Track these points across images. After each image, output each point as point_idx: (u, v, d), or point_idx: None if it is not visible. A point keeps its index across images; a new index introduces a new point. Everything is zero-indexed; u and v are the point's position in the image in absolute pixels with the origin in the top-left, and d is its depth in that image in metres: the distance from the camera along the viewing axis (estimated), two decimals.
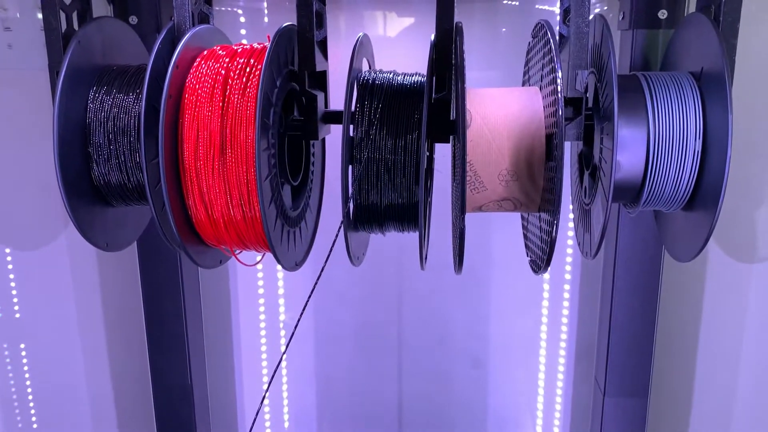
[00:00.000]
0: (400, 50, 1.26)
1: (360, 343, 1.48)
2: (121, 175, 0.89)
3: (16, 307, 1.45)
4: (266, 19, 1.29)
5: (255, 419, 0.97)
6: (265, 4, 1.29)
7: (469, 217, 0.83)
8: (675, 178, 0.87)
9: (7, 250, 1.41)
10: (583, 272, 1.37)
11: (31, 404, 1.55)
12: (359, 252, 0.97)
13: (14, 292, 1.45)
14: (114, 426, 1.49)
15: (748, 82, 0.97)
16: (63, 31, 0.94)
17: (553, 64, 0.78)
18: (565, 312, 1.42)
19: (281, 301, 1.49)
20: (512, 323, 1.45)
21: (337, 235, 0.87)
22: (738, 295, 1.16)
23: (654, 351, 1.19)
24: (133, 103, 0.88)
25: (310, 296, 0.90)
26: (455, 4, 0.89)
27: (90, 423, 1.53)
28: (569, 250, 1.37)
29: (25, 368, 1.52)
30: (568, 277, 1.39)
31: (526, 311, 1.45)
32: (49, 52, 0.93)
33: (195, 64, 0.84)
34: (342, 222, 0.87)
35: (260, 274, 1.47)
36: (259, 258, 0.99)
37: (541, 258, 0.86)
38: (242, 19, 1.29)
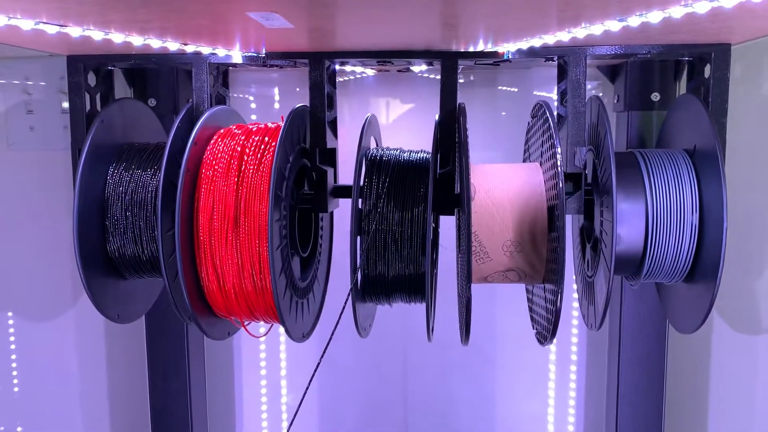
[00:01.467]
0: (404, 130, 1.32)
1: (365, 420, 1.46)
2: (135, 247, 0.91)
3: (16, 381, 1.45)
4: (277, 105, 1.36)
5: None
6: (276, 91, 1.35)
7: (475, 293, 0.85)
8: (674, 250, 0.89)
9: (10, 321, 1.42)
10: (589, 347, 1.37)
11: None
12: (366, 323, 0.98)
13: (14, 365, 1.44)
14: None
15: (738, 157, 1.01)
16: (87, 111, 0.99)
17: (552, 140, 0.82)
18: (572, 393, 1.41)
19: (283, 383, 1.48)
20: (519, 402, 1.43)
21: (345, 305, 0.88)
22: (745, 364, 1.16)
23: (664, 424, 1.17)
24: (150, 178, 0.92)
25: (316, 370, 0.91)
26: (458, 89, 0.95)
27: None
28: (574, 321, 1.37)
29: None
30: (573, 357, 1.39)
31: (532, 389, 1.43)
32: (72, 130, 0.97)
33: (212, 141, 0.89)
34: (350, 291, 0.88)
35: (262, 347, 1.47)
36: (266, 329, 1.00)
37: (547, 329, 0.87)
38: (253, 105, 1.36)
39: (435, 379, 1.43)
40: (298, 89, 1.35)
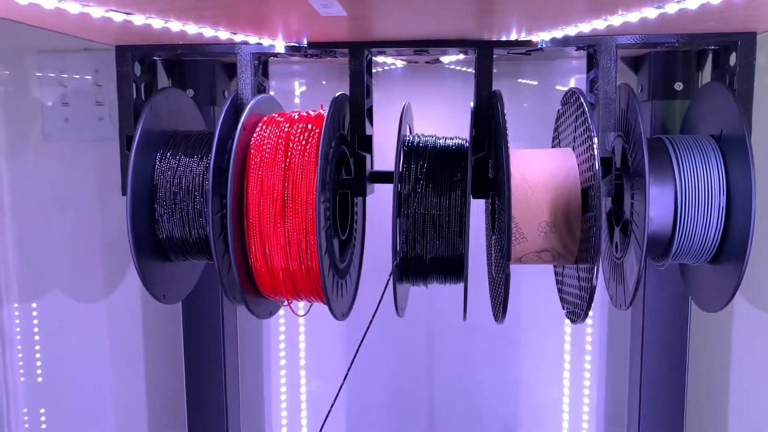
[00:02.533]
0: (433, 120, 1.36)
1: (391, 407, 1.49)
2: (183, 230, 0.95)
3: (39, 364, 1.48)
4: (297, 101, 1.40)
5: None
6: (297, 84, 1.39)
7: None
8: (702, 232, 0.93)
9: (35, 313, 1.45)
10: (610, 329, 1.41)
11: None
12: (403, 304, 1.02)
13: (37, 347, 1.48)
14: None
15: (761, 145, 1.04)
16: (133, 100, 1.03)
17: (587, 125, 0.86)
18: (587, 374, 1.45)
19: (302, 372, 1.52)
20: (541, 386, 1.47)
21: (386, 287, 0.92)
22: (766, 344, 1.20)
23: (686, 406, 1.21)
24: (197, 165, 0.96)
25: (354, 357, 0.94)
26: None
27: None
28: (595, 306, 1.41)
29: None
30: (588, 338, 1.42)
31: (553, 374, 1.47)
32: (120, 118, 1.01)
33: (258, 128, 0.92)
34: (391, 273, 0.92)
35: (282, 336, 1.50)
36: (308, 309, 1.04)
37: (580, 306, 0.91)
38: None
39: (460, 362, 1.47)
40: (324, 82, 1.39)
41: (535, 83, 1.39)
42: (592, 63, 1.00)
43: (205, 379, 1.31)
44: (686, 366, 1.20)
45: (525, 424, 1.51)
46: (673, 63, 1.11)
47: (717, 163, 0.92)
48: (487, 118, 0.96)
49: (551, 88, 1.37)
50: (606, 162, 0.95)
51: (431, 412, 1.51)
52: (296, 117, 0.95)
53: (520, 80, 1.38)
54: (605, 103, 0.97)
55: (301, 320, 1.50)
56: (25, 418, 1.51)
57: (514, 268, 0.92)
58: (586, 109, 0.88)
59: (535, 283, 1.38)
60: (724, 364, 1.25)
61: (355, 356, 0.95)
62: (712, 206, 0.91)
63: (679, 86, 1.12)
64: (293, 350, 1.52)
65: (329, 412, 0.92)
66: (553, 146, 1.10)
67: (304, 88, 1.40)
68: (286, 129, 0.92)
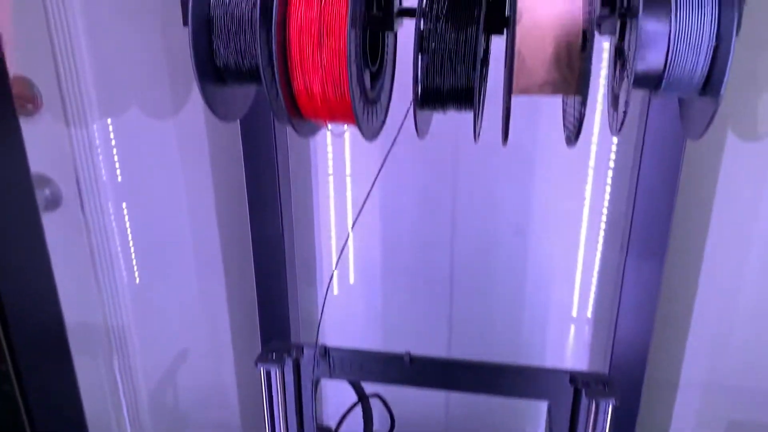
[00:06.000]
0: None
1: (418, 210, 1.73)
2: (237, 58, 1.11)
3: (119, 171, 1.72)
4: None
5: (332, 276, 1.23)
6: None
7: (519, 102, 1.03)
8: (691, 68, 1.04)
9: (110, 128, 1.67)
10: (618, 156, 1.56)
11: (134, 258, 1.86)
12: (424, 128, 1.19)
13: (116, 159, 1.70)
14: (221, 271, 1.81)
15: None
16: None
17: None
18: (607, 196, 1.63)
19: (348, 179, 1.74)
20: (554, 198, 1.67)
21: (407, 111, 1.09)
22: (751, 174, 1.34)
23: (671, 220, 1.40)
24: (247, 1, 1.09)
25: (382, 166, 1.13)
26: None
27: (194, 271, 1.85)
28: (595, 129, 1.55)
29: (128, 224, 1.82)
30: (612, 164, 1.58)
31: (568, 188, 1.66)
32: None
33: None
34: (412, 101, 1.08)
35: (329, 149, 1.71)
36: (343, 131, 1.22)
37: (573, 132, 1.07)
38: None
39: (481, 177, 1.67)
40: None
41: None
42: None
43: (262, 185, 1.55)
44: (676, 185, 1.36)
45: (537, 230, 1.73)
46: None
47: (712, 6, 1.00)
48: None
49: None
50: (611, 2, 1.04)
51: (453, 211, 1.74)
52: None
53: None
54: None
55: (346, 137, 1.70)
56: (111, 210, 1.80)
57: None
58: None
59: (554, 111, 1.52)
60: (710, 187, 1.40)
61: (382, 165, 1.14)
62: (701, 47, 1.01)
63: None
64: (340, 162, 1.74)
65: (361, 208, 1.14)
66: None
67: None
68: None
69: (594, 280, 1.78)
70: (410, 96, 1.16)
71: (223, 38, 1.10)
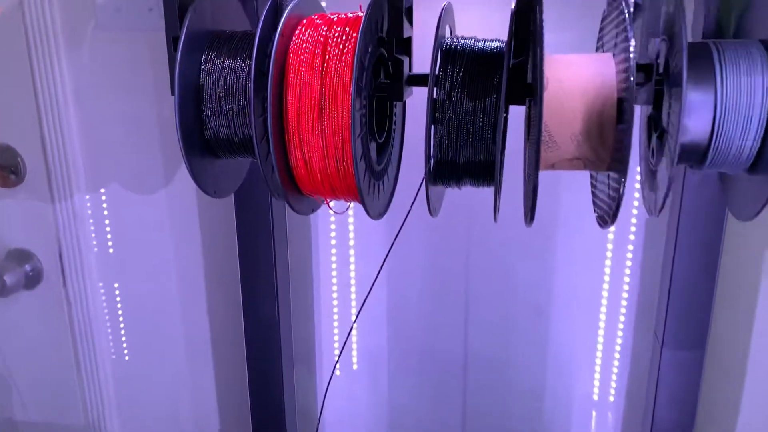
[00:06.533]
0: (479, 17, 1.33)
1: (429, 290, 1.59)
2: (229, 130, 1.00)
3: (110, 243, 1.62)
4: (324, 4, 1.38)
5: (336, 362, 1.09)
6: None
7: (541, 177, 0.91)
8: (739, 144, 0.92)
9: (104, 197, 1.57)
10: (647, 232, 1.43)
11: (123, 337, 1.73)
12: (436, 204, 1.06)
13: (108, 229, 1.61)
14: (209, 356, 1.66)
15: None
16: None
17: (626, 27, 0.84)
18: (628, 271, 1.49)
19: (352, 259, 1.61)
20: (575, 277, 1.53)
21: (419, 188, 0.96)
22: None
23: (713, 306, 1.25)
24: (240, 67, 0.99)
25: (391, 246, 1.00)
26: None
27: (184, 355, 1.70)
28: (634, 211, 1.43)
29: (119, 304, 1.70)
30: (632, 237, 1.45)
31: (590, 267, 1.52)
32: (166, 18, 1.03)
33: (297, 32, 0.94)
34: (424, 176, 0.96)
35: (333, 226, 1.59)
36: (345, 207, 1.10)
37: (608, 213, 0.94)
38: None
39: (496, 253, 1.53)
40: None
41: None
42: None
43: (257, 260, 1.42)
44: (717, 269, 1.23)
45: (557, 311, 1.58)
46: None
47: (762, 73, 0.89)
48: (528, 21, 0.95)
49: None
50: (647, 68, 0.93)
51: (467, 293, 1.60)
52: (335, 19, 0.95)
53: None
54: (652, 4, 0.93)
55: (351, 212, 1.58)
56: (100, 284, 1.68)
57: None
58: (625, 10, 0.86)
59: (576, 185, 1.40)
60: (755, 272, 1.27)
61: (392, 244, 1.01)
62: (752, 118, 0.89)
63: None
64: (343, 234, 1.61)
65: (370, 288, 1.00)
66: (596, 49, 1.08)
67: None
68: (324, 33, 0.93)
69: (615, 362, 1.64)
70: (419, 165, 1.04)
71: (213, 107, 1.00)
